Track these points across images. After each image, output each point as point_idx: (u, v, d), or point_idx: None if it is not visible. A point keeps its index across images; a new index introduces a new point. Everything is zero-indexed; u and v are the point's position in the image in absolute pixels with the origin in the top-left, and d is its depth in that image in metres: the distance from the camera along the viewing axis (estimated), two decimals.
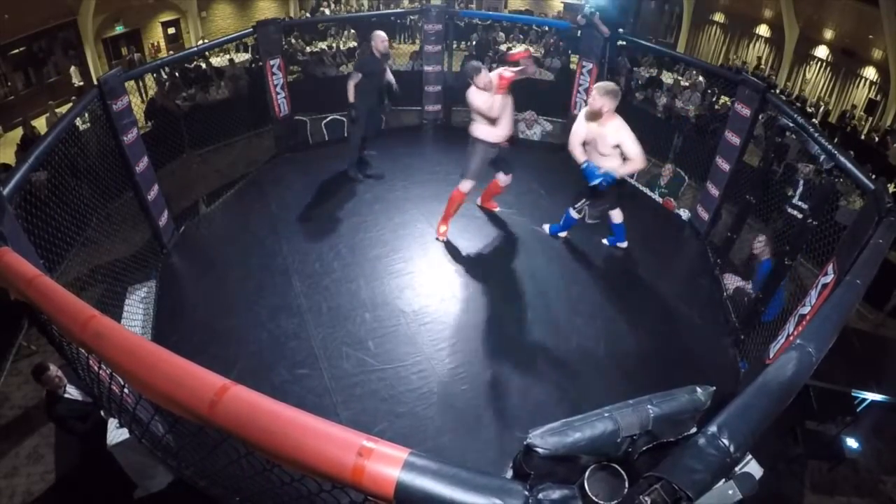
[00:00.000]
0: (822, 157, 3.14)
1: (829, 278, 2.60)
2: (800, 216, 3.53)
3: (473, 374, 3.21)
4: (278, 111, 5.67)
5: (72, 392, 3.17)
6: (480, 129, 3.90)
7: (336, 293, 3.77)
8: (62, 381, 3.13)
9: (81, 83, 10.87)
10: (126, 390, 1.51)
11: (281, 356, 3.32)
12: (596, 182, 3.62)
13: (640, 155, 3.51)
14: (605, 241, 4.38)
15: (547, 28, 12.66)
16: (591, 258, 4.29)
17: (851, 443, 3.70)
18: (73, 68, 11.24)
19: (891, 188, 6.85)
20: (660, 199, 5.43)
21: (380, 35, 4.80)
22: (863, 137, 10.05)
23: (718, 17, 14.71)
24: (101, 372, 1.51)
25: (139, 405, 1.59)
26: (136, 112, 4.15)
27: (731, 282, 4.19)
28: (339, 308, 3.64)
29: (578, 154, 3.72)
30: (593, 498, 0.85)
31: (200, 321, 3.64)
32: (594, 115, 3.55)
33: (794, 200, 4.93)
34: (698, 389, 0.99)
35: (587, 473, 0.88)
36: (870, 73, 11.15)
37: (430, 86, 6.44)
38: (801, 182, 5.12)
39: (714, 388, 1.01)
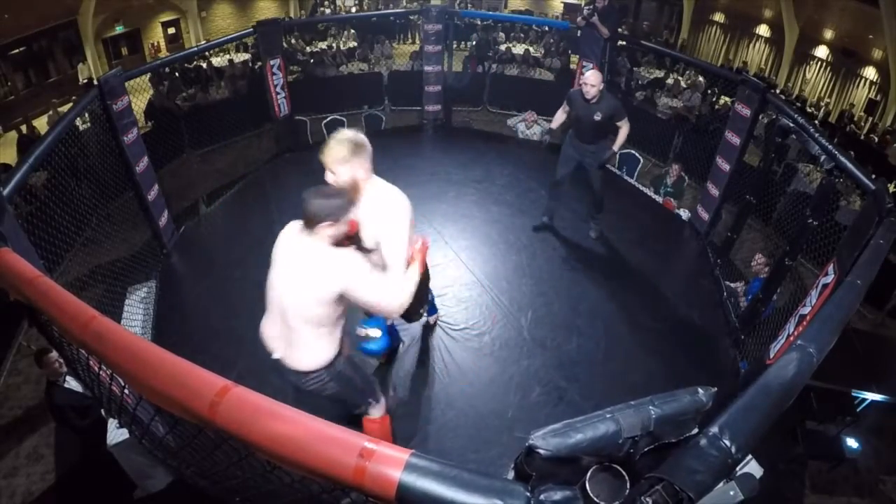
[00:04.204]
0: (823, 158, 3.14)
1: (830, 279, 2.60)
2: None
3: (473, 374, 3.21)
4: (278, 111, 5.67)
5: (72, 383, 3.18)
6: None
7: None
8: (62, 366, 3.14)
9: (87, 80, 10.88)
10: (126, 391, 1.51)
11: None
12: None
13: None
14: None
15: (547, 28, 12.65)
16: (591, 259, 4.29)
17: (851, 443, 3.69)
18: (80, 65, 11.24)
19: (891, 188, 6.85)
20: (660, 199, 5.43)
21: (586, 75, 3.77)
22: (863, 137, 10.05)
23: (718, 17, 14.71)
24: (101, 373, 1.50)
25: (139, 406, 1.59)
26: (137, 112, 4.15)
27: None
28: None
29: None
30: (595, 499, 0.85)
31: (200, 321, 3.64)
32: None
33: None
34: (700, 390, 0.99)
35: (589, 474, 0.88)
36: (870, 73, 11.15)
37: (430, 86, 6.43)
38: None
39: (716, 389, 1.01)
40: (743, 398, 1.07)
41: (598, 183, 4.20)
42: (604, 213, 4.51)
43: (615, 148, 3.94)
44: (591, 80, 3.70)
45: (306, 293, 1.90)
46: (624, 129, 3.86)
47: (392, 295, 1.92)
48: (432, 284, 3.87)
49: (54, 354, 3.13)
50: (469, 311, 3.68)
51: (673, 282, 4.22)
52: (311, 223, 1.88)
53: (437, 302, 3.72)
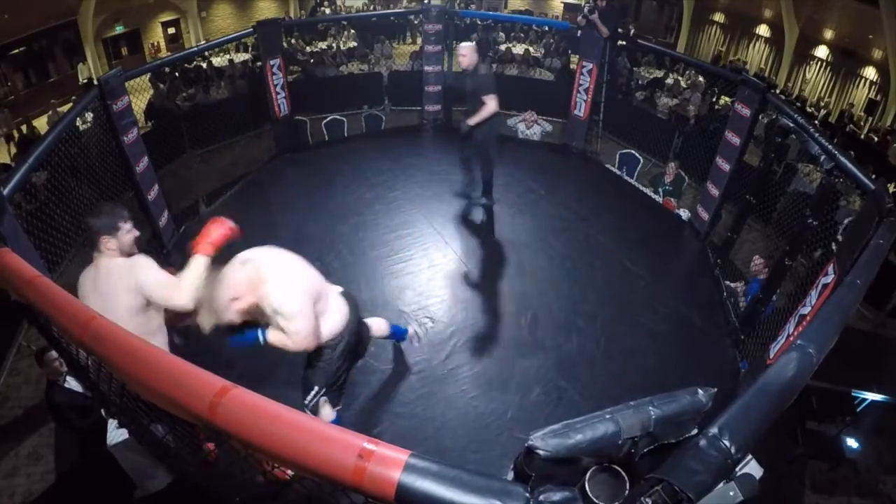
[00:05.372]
0: (823, 157, 3.14)
1: (830, 279, 2.60)
2: None
3: (473, 374, 3.21)
4: (278, 111, 5.67)
5: (72, 382, 3.18)
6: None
7: None
8: (62, 366, 3.13)
9: (87, 80, 10.90)
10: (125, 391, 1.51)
11: (281, 357, 3.30)
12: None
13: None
14: None
15: (547, 28, 12.65)
16: (591, 259, 4.28)
17: (851, 443, 3.69)
18: (80, 65, 11.25)
19: (891, 188, 6.85)
20: (660, 199, 5.42)
21: (458, 47, 4.07)
22: (863, 137, 10.05)
23: (718, 17, 14.71)
24: (100, 373, 1.50)
25: (139, 406, 1.59)
26: (137, 112, 4.15)
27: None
28: None
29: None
30: (594, 500, 0.85)
31: None
32: None
33: None
34: (700, 391, 0.99)
35: (588, 475, 0.87)
36: (870, 73, 11.15)
37: (430, 86, 6.43)
38: None
39: (715, 389, 1.01)
40: (743, 398, 1.07)
41: (473, 152, 4.36)
42: (491, 194, 4.60)
43: (470, 122, 4.08)
44: (461, 51, 3.98)
45: (118, 308, 2.02)
46: (487, 105, 3.96)
47: (180, 291, 2.06)
48: (432, 284, 3.88)
49: (54, 354, 3.12)
50: (468, 311, 3.68)
51: (673, 282, 4.22)
52: (94, 244, 2.08)
53: (438, 301, 3.72)
